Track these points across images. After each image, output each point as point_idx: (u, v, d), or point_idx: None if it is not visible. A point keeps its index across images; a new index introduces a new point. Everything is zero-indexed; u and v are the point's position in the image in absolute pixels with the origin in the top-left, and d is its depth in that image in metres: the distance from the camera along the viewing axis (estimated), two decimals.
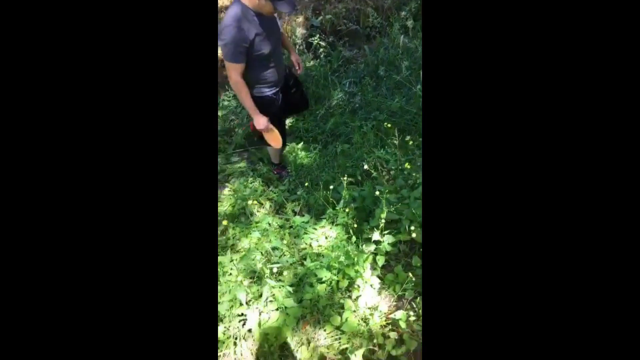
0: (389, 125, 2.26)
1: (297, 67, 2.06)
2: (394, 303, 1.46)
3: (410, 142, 2.20)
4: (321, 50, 3.25)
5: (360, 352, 1.20)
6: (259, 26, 1.64)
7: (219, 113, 2.76)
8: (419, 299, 1.43)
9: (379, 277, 1.56)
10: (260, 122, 1.84)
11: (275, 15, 1.76)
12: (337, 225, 1.87)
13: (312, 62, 3.23)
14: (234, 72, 1.69)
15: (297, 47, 3.31)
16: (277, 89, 1.94)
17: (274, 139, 1.96)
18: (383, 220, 1.54)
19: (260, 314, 1.35)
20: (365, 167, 1.79)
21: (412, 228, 1.55)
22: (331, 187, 1.91)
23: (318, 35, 3.29)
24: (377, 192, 1.66)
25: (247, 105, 1.80)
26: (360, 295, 1.43)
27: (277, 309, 1.36)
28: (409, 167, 1.84)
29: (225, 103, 2.88)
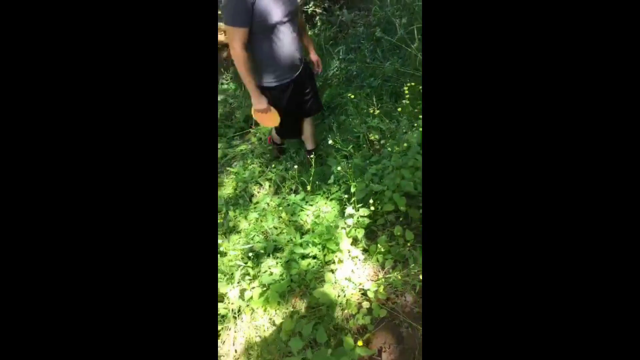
0: (352, 96, 2.19)
1: (316, 68, 1.89)
2: (375, 273, 1.51)
3: (399, 109, 2.13)
4: (317, 18, 3.14)
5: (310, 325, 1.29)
6: None
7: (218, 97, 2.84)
8: (394, 269, 1.47)
9: (364, 248, 1.61)
10: (260, 103, 1.69)
11: None
12: (331, 200, 1.92)
13: (309, 33, 3.15)
14: (236, 41, 1.46)
15: None
16: (287, 80, 1.71)
17: (271, 119, 1.86)
18: (345, 194, 1.57)
19: (243, 292, 1.47)
20: (330, 142, 1.78)
21: (370, 200, 1.51)
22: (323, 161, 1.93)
23: (313, 2, 3.18)
24: (339, 168, 1.67)
25: (247, 82, 1.61)
26: (338, 268, 1.50)
27: (259, 286, 1.48)
28: (372, 138, 1.81)
29: (224, 87, 2.93)
